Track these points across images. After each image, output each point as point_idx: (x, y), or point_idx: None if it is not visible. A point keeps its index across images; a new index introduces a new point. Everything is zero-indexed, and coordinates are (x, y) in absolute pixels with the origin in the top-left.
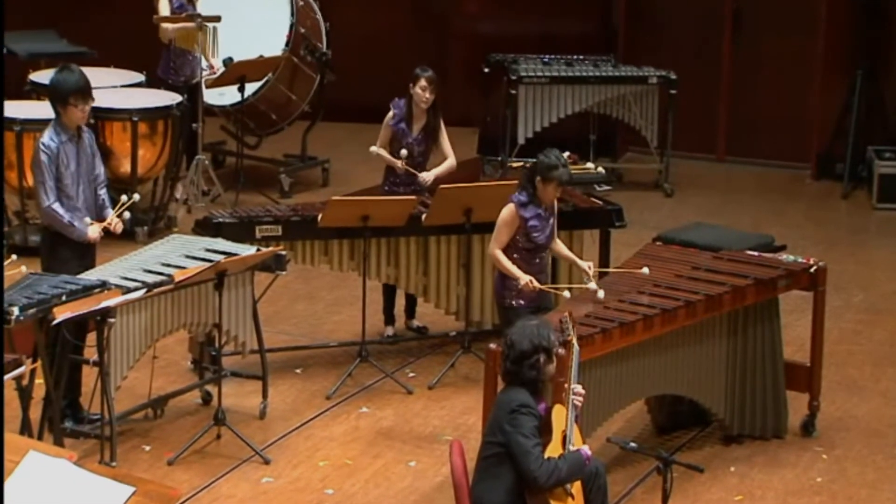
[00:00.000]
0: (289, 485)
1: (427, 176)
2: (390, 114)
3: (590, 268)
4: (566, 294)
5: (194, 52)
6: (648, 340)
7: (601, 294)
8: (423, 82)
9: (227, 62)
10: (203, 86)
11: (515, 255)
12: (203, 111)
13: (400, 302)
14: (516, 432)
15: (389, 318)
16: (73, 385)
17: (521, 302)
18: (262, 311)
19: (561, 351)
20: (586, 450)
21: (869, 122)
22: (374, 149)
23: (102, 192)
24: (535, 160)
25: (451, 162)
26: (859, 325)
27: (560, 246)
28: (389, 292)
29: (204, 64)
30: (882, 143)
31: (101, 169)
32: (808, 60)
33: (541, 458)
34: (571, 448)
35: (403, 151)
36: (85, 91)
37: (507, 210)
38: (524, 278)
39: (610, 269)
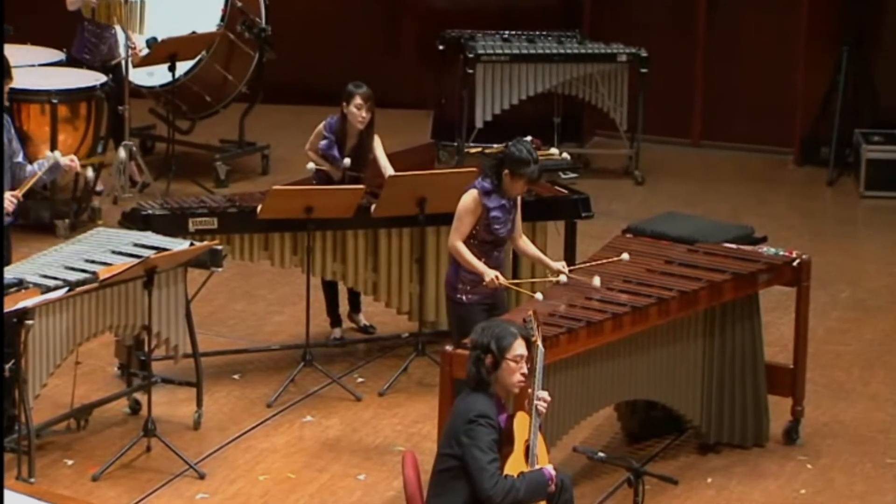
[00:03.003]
0: (226, 501)
1: (347, 162)
2: (321, 126)
3: (563, 267)
4: (538, 296)
5: (113, 28)
6: (618, 341)
7: (597, 281)
8: (357, 100)
9: (151, 42)
10: (129, 64)
11: (473, 248)
12: (130, 92)
13: (343, 299)
14: (472, 445)
15: (336, 320)
16: None
17: (474, 297)
18: (196, 311)
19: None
20: (550, 469)
21: (856, 103)
22: (310, 166)
23: (32, 167)
24: (503, 149)
25: (388, 173)
26: (846, 323)
27: (526, 244)
28: (331, 291)
29: (125, 41)
30: (870, 125)
31: (20, 156)
32: (790, 36)
33: (497, 475)
34: (536, 462)
35: (346, 161)
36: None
37: (470, 197)
38: (489, 274)
39: (589, 264)
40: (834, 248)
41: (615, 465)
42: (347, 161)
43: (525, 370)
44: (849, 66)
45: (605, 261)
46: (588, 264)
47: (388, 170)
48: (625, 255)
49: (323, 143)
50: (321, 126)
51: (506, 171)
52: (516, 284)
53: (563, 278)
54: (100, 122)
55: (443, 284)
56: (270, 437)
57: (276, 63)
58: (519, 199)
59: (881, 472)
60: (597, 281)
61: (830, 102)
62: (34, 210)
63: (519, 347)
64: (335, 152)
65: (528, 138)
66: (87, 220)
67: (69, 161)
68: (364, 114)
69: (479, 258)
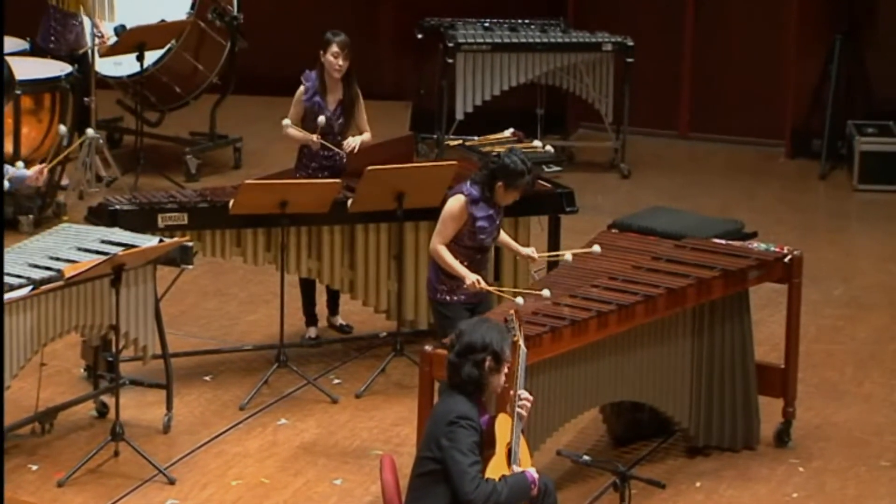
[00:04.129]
0: None
1: (352, 141)
2: (301, 89)
3: (534, 252)
4: (519, 300)
5: (80, 16)
6: (603, 341)
7: (597, 248)
8: (334, 48)
9: (120, 31)
10: (96, 54)
11: (455, 250)
12: (96, 83)
13: (322, 298)
14: (453, 448)
15: (311, 319)
16: None
17: (458, 297)
18: (166, 310)
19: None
20: (532, 472)
21: (849, 94)
22: (286, 122)
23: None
24: (497, 160)
25: (367, 136)
26: (839, 321)
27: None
28: (308, 288)
29: (92, 30)
30: (864, 116)
31: None
32: (781, 24)
33: (478, 478)
34: (517, 467)
35: (321, 119)
36: None
37: (457, 203)
38: (470, 277)
39: (558, 253)
40: (826, 243)
41: (600, 469)
42: (322, 119)
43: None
44: (842, 55)
45: (577, 251)
46: (557, 254)
47: (366, 129)
48: (595, 248)
49: (304, 92)
50: (299, 91)
51: (499, 182)
52: (498, 290)
53: (546, 292)
54: (65, 114)
55: (422, 281)
56: (243, 440)
57: (249, 52)
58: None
59: (875, 475)
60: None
61: (823, 93)
62: None
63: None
64: (318, 99)
65: (510, 130)
66: (52, 215)
67: (36, 173)
68: (341, 62)
69: (462, 261)
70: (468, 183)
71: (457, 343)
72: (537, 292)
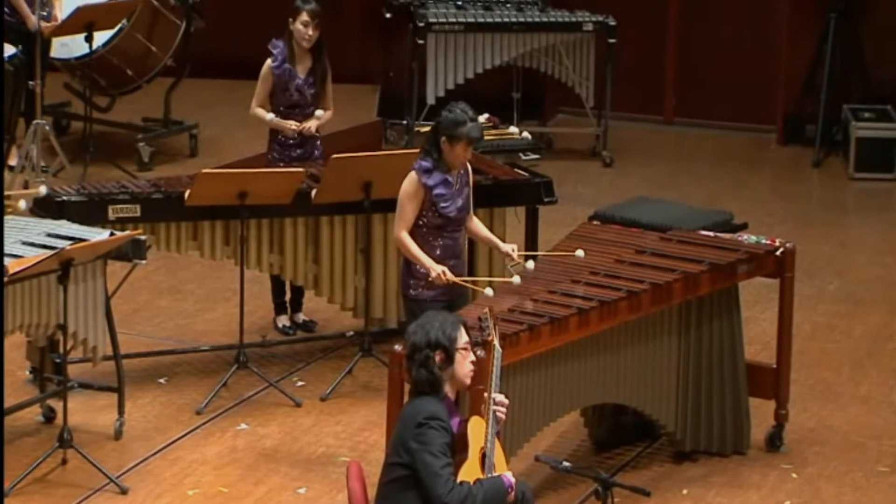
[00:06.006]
0: None
1: (310, 123)
2: (268, 60)
3: (514, 251)
4: (488, 291)
5: None
6: (584, 339)
7: (580, 252)
8: (304, 17)
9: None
10: (41, 34)
11: (423, 235)
12: (43, 66)
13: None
14: (423, 450)
15: (281, 307)
16: None
17: (431, 293)
18: (117, 308)
19: (480, 353)
20: (509, 476)
21: (845, 76)
22: (263, 113)
23: None
24: (437, 119)
25: (328, 115)
26: (835, 318)
27: (477, 224)
28: (278, 280)
29: (41, 8)
30: (860, 100)
31: None
32: (772, 2)
33: (451, 481)
34: (493, 471)
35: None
36: None
37: (408, 180)
38: (435, 269)
39: (539, 253)
40: (821, 235)
41: (582, 476)
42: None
43: (473, 357)
44: (836, 36)
45: (557, 254)
46: (539, 254)
47: (329, 107)
48: (579, 252)
49: (272, 61)
50: (266, 64)
51: (443, 138)
52: (470, 281)
53: (516, 279)
54: (9, 98)
55: (391, 277)
56: (200, 447)
57: (206, 32)
58: (471, 176)
59: (873, 481)
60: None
61: (816, 75)
62: None
63: (464, 334)
64: (288, 66)
65: (485, 116)
66: None
67: None
68: (311, 32)
69: (433, 246)
70: (420, 157)
71: (406, 345)
72: (508, 280)
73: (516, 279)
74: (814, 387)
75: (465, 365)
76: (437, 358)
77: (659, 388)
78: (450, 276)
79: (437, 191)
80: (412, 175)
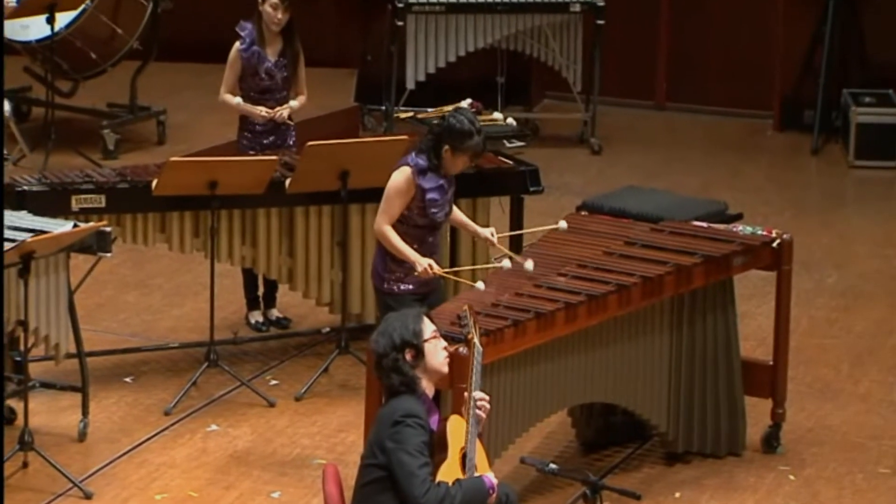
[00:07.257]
0: None
1: (282, 109)
2: (237, 44)
3: (493, 234)
4: (479, 285)
5: None
6: (571, 336)
7: (529, 265)
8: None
9: None
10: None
11: (403, 232)
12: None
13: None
14: (399, 449)
15: (253, 302)
16: None
17: (405, 287)
18: (81, 304)
19: (462, 350)
20: (491, 477)
21: (844, 59)
22: (237, 101)
23: None
24: (441, 123)
25: (301, 100)
26: (834, 312)
27: (455, 211)
28: (250, 274)
29: None
30: (860, 84)
31: None
32: None
33: (428, 481)
34: (474, 472)
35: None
36: None
37: (402, 175)
38: (421, 262)
39: (521, 231)
40: (819, 226)
41: (569, 479)
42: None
43: (445, 343)
44: (835, 17)
45: (541, 229)
46: (523, 232)
47: (302, 91)
48: (562, 223)
49: (240, 44)
50: (234, 47)
51: (446, 146)
52: (455, 273)
53: (506, 263)
54: None
55: (368, 271)
56: (169, 449)
57: (173, 14)
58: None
59: (873, 483)
60: (529, 264)
61: (815, 58)
62: None
63: (429, 324)
64: (256, 48)
65: (468, 101)
66: None
67: None
68: (280, 15)
69: (412, 244)
70: (413, 154)
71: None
72: (497, 265)
73: (506, 263)
74: (812, 385)
75: (437, 354)
76: (408, 356)
77: (650, 386)
78: (437, 268)
79: (430, 195)
80: (406, 171)
